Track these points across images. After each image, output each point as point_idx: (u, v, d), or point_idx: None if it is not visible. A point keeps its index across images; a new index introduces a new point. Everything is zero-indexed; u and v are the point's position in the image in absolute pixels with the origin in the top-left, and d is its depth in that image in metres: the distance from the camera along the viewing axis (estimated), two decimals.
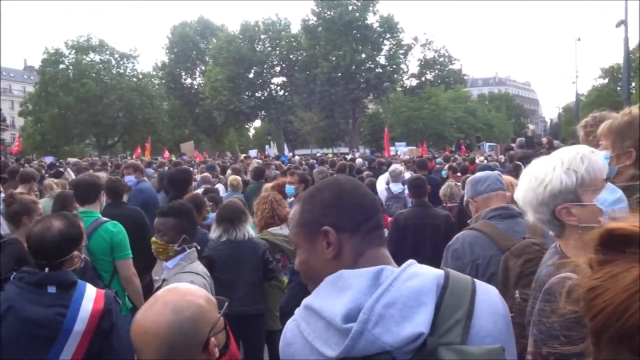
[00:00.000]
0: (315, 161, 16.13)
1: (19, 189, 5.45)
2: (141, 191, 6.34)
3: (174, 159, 20.56)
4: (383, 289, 1.00)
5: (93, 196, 3.81)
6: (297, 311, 1.12)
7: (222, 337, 1.31)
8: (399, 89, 50.50)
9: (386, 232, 4.57)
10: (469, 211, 2.82)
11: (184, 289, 1.31)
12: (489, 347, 0.97)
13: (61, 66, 45.67)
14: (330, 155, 26.77)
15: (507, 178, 2.93)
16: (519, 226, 2.46)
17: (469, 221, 2.75)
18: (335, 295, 1.04)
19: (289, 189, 5.39)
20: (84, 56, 46.79)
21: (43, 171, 10.81)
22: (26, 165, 11.32)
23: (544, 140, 10.35)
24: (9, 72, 77.68)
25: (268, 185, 5.56)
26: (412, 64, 49.90)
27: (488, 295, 1.10)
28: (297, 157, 24.23)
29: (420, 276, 1.05)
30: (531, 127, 11.50)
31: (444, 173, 9.19)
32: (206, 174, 8.56)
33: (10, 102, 67.05)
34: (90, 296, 2.15)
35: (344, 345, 0.96)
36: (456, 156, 19.42)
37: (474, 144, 40.48)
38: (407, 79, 52.50)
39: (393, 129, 42.16)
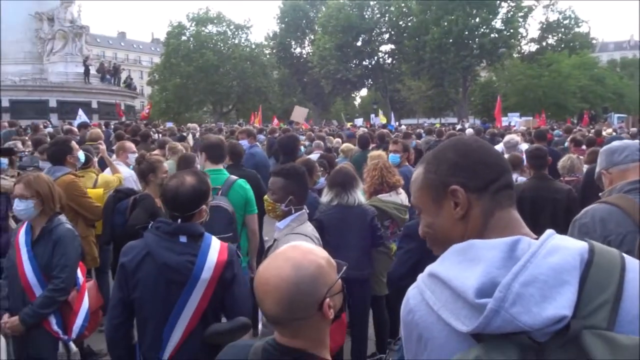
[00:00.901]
0: (422, 131, 15.75)
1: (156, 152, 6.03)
2: (253, 155, 6.75)
3: (282, 126, 21.23)
4: (521, 266, 0.93)
5: (222, 156, 4.14)
6: (420, 278, 1.09)
7: (339, 300, 1.33)
8: (515, 55, 47.08)
9: None
10: (601, 184, 2.58)
11: (307, 248, 1.35)
12: None
13: (183, 38, 48.80)
14: (438, 125, 25.99)
15: None
16: None
17: (600, 194, 2.52)
18: (464, 266, 0.99)
19: (393, 157, 5.33)
20: (203, 28, 49.50)
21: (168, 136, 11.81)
22: (154, 129, 12.39)
23: None
24: (139, 45, 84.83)
25: (374, 153, 5.56)
26: (531, 28, 45.91)
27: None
28: (403, 127, 23.82)
29: (562, 250, 0.96)
30: None
31: (566, 145, 8.50)
32: (318, 140, 8.80)
33: (139, 72, 73.28)
34: (215, 247, 2.31)
35: (478, 322, 0.92)
36: (579, 127, 17.86)
37: (600, 114, 36.90)
38: (526, 44, 48.68)
39: (507, 98, 39.64)
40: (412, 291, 1.10)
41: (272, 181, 2.86)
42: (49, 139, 8.00)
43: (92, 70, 27.24)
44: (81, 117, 16.06)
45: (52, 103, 24.39)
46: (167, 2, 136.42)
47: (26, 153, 6.73)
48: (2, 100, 23.05)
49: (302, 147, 8.09)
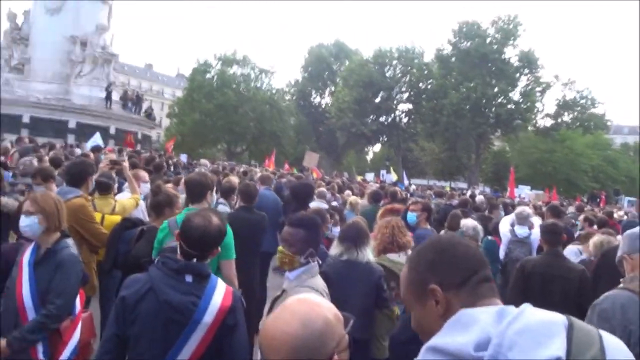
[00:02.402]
0: (432, 192, 15.73)
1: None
2: (262, 197, 6.65)
3: (296, 171, 21.31)
4: (513, 318, 1.02)
5: (202, 195, 3.89)
6: (420, 355, 1.12)
7: (346, 355, 1.29)
8: (530, 128, 47.57)
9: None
10: (622, 268, 2.51)
11: (314, 301, 1.30)
12: None
13: (207, 76, 50.08)
14: (448, 189, 25.98)
15: None
16: None
17: (621, 280, 2.45)
18: (460, 331, 1.06)
19: (411, 215, 5.28)
20: (228, 68, 50.85)
21: (180, 168, 11.92)
22: (169, 161, 12.51)
23: None
24: (164, 78, 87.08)
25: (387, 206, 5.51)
26: (548, 103, 46.49)
27: (616, 342, 1.08)
28: (413, 186, 23.83)
29: (544, 313, 1.07)
30: None
31: (578, 224, 8.40)
32: (323, 189, 8.75)
33: (161, 103, 74.89)
34: (220, 291, 2.25)
35: None
36: (590, 207, 17.75)
37: (611, 196, 36.77)
38: (542, 118, 49.27)
39: (518, 170, 39.76)
40: None
41: (290, 232, 2.72)
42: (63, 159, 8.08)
43: (116, 97, 27.82)
44: (96, 140, 16.10)
45: (72, 124, 24.81)
46: (196, 40, 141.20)
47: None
48: (24, 116, 23.51)
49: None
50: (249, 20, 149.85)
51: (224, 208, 5.93)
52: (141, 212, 5.12)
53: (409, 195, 14.47)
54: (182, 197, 4.88)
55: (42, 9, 26.54)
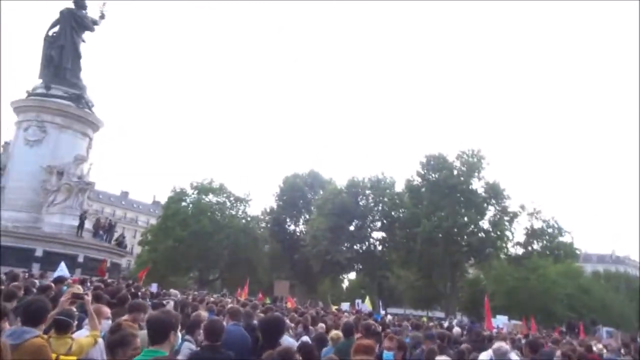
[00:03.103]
0: (408, 324, 15.28)
1: (125, 317, 5.73)
2: (230, 332, 6.29)
3: (267, 302, 20.67)
4: None
5: (164, 335, 3.65)
6: None
7: None
8: (502, 256, 48.24)
9: None
10: None
11: None
12: None
13: (183, 204, 50.52)
14: (425, 320, 25.33)
15: None
16: None
17: None
18: None
19: (387, 355, 5.08)
20: (204, 196, 51.58)
21: (148, 300, 11.41)
22: (136, 292, 12.02)
23: None
24: (139, 205, 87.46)
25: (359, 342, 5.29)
26: (518, 232, 47.54)
27: None
28: (389, 317, 23.21)
29: None
30: None
31: None
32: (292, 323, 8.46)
33: (133, 231, 74.23)
34: None
35: None
36: (569, 337, 17.41)
37: (588, 326, 36.37)
38: (512, 246, 50.19)
39: (493, 298, 39.48)
40: None
41: None
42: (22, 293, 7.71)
43: (88, 225, 27.56)
44: (62, 269, 15.57)
45: (38, 252, 24.16)
46: (174, 168, 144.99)
47: None
48: None
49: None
50: (224, 150, 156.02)
51: (189, 345, 5.60)
52: (99, 352, 4.81)
53: (384, 327, 14.02)
54: (142, 332, 4.63)
55: (22, 141, 27.26)
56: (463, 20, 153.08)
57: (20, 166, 26.71)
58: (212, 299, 17.07)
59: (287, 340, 6.23)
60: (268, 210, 57.80)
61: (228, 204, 53.43)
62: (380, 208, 51.00)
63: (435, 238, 43.47)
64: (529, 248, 49.76)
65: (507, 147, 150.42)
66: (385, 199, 50.24)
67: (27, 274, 17.02)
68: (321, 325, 10.43)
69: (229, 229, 48.87)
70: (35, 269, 21.42)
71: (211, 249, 47.74)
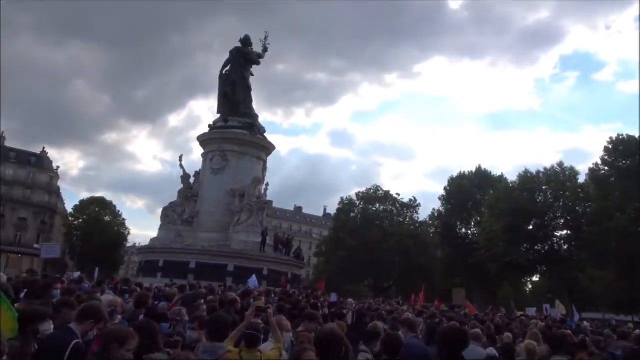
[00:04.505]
0: (611, 332, 13.34)
1: (301, 328, 5.94)
2: (408, 347, 6.08)
3: (443, 308, 20.04)
4: None
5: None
6: None
7: None
8: None
9: None
10: None
11: None
12: None
13: (351, 214, 52.09)
14: (631, 325, 21.96)
15: None
16: None
17: None
18: None
19: None
20: (370, 206, 52.53)
21: (325, 310, 11.89)
22: (316, 302, 12.60)
23: None
24: (312, 219, 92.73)
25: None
26: None
27: None
28: (586, 323, 20.65)
29: None
30: None
31: None
32: (478, 330, 7.93)
33: (309, 243, 78.74)
34: None
35: None
36: None
37: None
38: None
39: None
40: None
41: None
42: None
43: (269, 240, 29.97)
44: (253, 281, 17.28)
45: (230, 267, 26.91)
46: (342, 182, 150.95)
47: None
48: (191, 262, 26.39)
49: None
50: (385, 156, 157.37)
51: (366, 356, 5.58)
52: None
53: (581, 335, 12.45)
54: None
55: (209, 170, 30.90)
56: None
57: (209, 193, 30.25)
58: (388, 307, 17.10)
59: (476, 351, 5.84)
60: (436, 214, 56.48)
61: (395, 211, 53.60)
62: (561, 204, 46.24)
63: (634, 233, 37.71)
64: None
65: None
66: (567, 193, 45.37)
67: (222, 287, 19.10)
68: (507, 334, 9.67)
69: (398, 236, 48.90)
70: (229, 282, 23.91)
71: (382, 257, 48.25)
